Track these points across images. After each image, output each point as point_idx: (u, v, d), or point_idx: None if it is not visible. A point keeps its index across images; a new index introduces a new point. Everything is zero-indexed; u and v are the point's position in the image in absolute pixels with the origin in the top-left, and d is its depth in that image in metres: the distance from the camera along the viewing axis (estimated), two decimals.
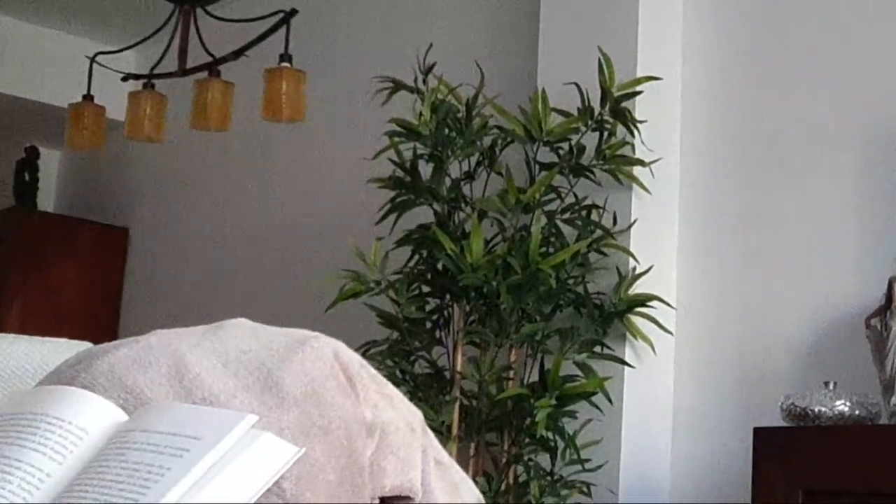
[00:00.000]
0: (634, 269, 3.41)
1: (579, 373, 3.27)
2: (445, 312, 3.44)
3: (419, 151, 3.46)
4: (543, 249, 3.31)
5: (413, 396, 3.19)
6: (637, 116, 3.42)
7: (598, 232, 3.40)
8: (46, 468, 1.07)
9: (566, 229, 3.40)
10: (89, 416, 1.12)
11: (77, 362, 1.24)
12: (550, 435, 3.22)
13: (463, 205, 3.47)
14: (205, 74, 4.13)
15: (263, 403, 1.07)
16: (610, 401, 3.27)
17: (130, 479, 1.03)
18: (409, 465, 1.14)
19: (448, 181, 3.46)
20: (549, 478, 3.25)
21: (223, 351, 1.15)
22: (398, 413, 1.16)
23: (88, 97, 4.29)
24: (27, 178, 6.53)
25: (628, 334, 3.38)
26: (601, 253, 3.40)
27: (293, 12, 4.10)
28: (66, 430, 1.10)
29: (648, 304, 3.35)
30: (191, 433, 1.06)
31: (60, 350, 1.48)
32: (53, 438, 1.10)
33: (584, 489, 3.25)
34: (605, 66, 3.37)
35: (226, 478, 1.02)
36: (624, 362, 3.35)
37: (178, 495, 0.99)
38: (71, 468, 1.08)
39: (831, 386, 2.83)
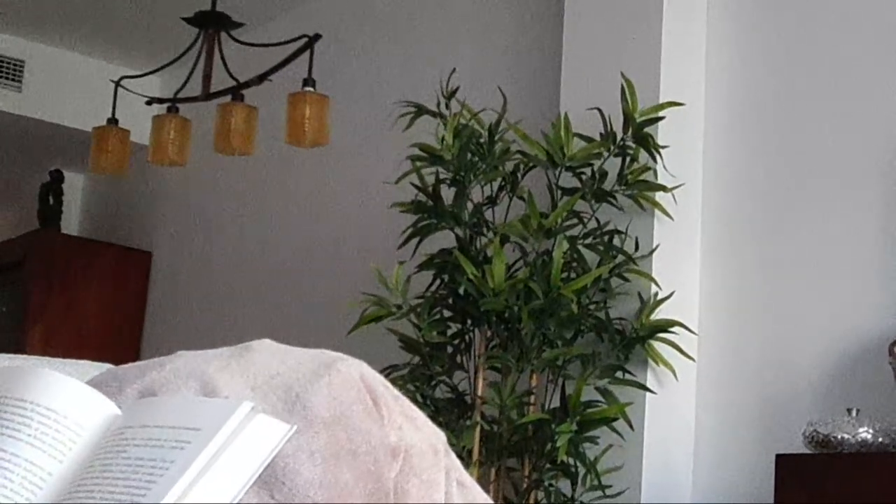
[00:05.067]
0: (656, 294, 3.40)
1: (601, 398, 3.27)
2: (467, 337, 3.45)
3: (441, 176, 3.47)
4: (565, 274, 3.31)
5: (434, 421, 3.18)
6: (659, 142, 3.43)
7: (620, 257, 3.40)
8: (48, 467, 1.07)
9: (588, 254, 3.40)
10: (83, 410, 1.11)
11: (102, 384, 1.24)
12: (571, 460, 3.22)
13: (485, 229, 3.47)
14: (228, 99, 4.15)
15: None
16: (631, 427, 3.26)
17: (135, 474, 1.03)
18: (432, 487, 1.14)
19: (470, 206, 3.46)
20: None
21: (251, 374, 1.16)
22: (422, 435, 1.16)
23: (113, 121, 4.32)
24: (51, 201, 6.57)
25: (650, 360, 3.38)
26: (623, 278, 3.40)
27: (317, 37, 4.12)
28: (63, 426, 1.09)
29: (670, 329, 3.34)
30: (190, 425, 1.06)
31: (83, 372, 1.48)
32: (50, 434, 1.08)
33: None
34: (627, 92, 3.38)
35: (226, 463, 1.02)
36: (645, 388, 3.35)
37: (183, 487, 1.00)
38: (70, 466, 1.07)
39: (854, 413, 2.82)
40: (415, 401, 3.30)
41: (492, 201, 3.56)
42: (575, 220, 3.44)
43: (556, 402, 3.29)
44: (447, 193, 3.47)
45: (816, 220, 3.37)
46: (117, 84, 4.35)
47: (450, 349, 3.44)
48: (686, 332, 3.38)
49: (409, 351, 3.45)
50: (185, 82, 4.17)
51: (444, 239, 3.52)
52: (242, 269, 5.54)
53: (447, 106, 3.50)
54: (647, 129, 3.40)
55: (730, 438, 3.43)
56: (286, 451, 1.06)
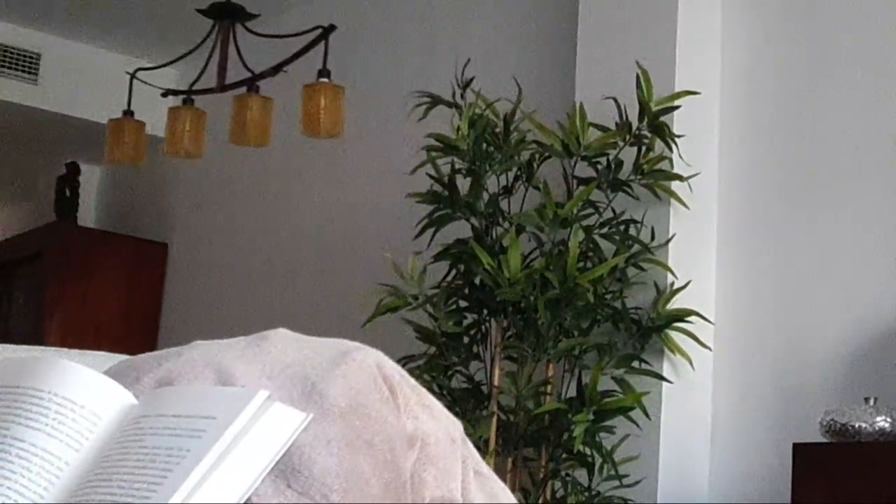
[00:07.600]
0: (672, 283, 3.40)
1: (617, 388, 3.26)
2: (483, 327, 3.44)
3: (457, 166, 3.47)
4: (581, 264, 3.30)
5: (450, 411, 3.18)
6: (675, 131, 3.42)
7: (636, 247, 3.39)
8: (65, 456, 1.07)
9: (604, 244, 3.39)
10: (101, 399, 1.11)
11: (119, 373, 1.24)
12: (588, 450, 3.22)
13: (501, 219, 3.47)
14: (244, 90, 4.16)
15: None
16: (648, 416, 3.26)
17: (152, 463, 1.03)
18: (449, 475, 1.14)
19: (486, 196, 3.46)
20: (586, 493, 3.24)
21: (267, 363, 1.16)
22: (438, 424, 1.16)
23: (128, 113, 4.33)
24: (68, 193, 6.59)
25: (666, 349, 3.37)
26: (639, 268, 3.39)
27: (332, 28, 4.12)
28: (80, 415, 1.10)
29: (686, 319, 3.34)
30: (205, 413, 1.06)
31: (100, 362, 1.48)
32: (67, 423, 1.09)
33: None
34: (643, 81, 3.37)
35: (242, 452, 1.03)
36: (662, 377, 3.34)
37: (199, 476, 1.00)
38: (87, 456, 1.07)
39: (872, 402, 2.81)
40: (431, 391, 3.30)
41: (507, 191, 3.55)
42: (591, 210, 3.43)
43: (572, 392, 3.29)
44: (463, 183, 3.47)
45: (832, 209, 3.36)
46: (133, 76, 4.36)
47: (466, 339, 3.44)
48: (702, 321, 3.37)
49: (425, 341, 3.45)
50: (201, 74, 4.18)
51: (459, 229, 3.51)
52: (258, 259, 5.55)
53: (462, 96, 3.50)
54: (662, 119, 3.39)
55: (746, 428, 3.42)
56: (302, 440, 1.06)
